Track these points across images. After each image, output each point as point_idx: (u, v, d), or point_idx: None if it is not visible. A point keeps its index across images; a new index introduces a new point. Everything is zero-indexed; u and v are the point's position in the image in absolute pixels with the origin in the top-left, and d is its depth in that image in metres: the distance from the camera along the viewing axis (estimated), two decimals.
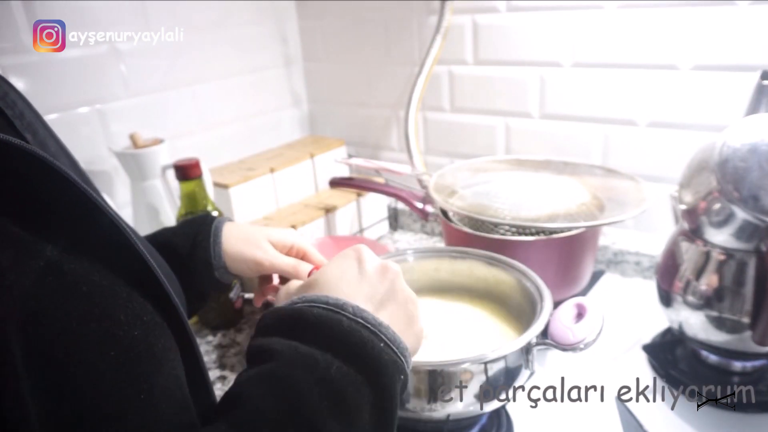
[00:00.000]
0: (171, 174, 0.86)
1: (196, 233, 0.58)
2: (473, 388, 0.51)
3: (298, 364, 0.36)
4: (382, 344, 0.38)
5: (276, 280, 0.63)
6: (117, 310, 0.33)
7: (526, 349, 0.52)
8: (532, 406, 0.65)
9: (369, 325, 0.38)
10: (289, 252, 0.61)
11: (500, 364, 0.51)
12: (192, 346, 0.40)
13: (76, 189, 0.32)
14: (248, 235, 0.59)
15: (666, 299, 0.68)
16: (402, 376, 0.39)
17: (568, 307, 0.53)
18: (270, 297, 0.63)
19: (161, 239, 0.59)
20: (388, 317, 0.41)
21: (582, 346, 0.50)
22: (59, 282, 0.31)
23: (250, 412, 0.34)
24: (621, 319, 0.78)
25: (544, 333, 0.52)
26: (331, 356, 0.36)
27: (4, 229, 0.30)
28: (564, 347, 0.50)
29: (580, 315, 0.52)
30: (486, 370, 0.51)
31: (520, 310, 0.62)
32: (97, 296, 0.33)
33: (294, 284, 0.47)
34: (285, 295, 0.46)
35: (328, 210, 1.03)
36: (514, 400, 0.56)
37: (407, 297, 0.44)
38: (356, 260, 0.44)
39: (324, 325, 0.38)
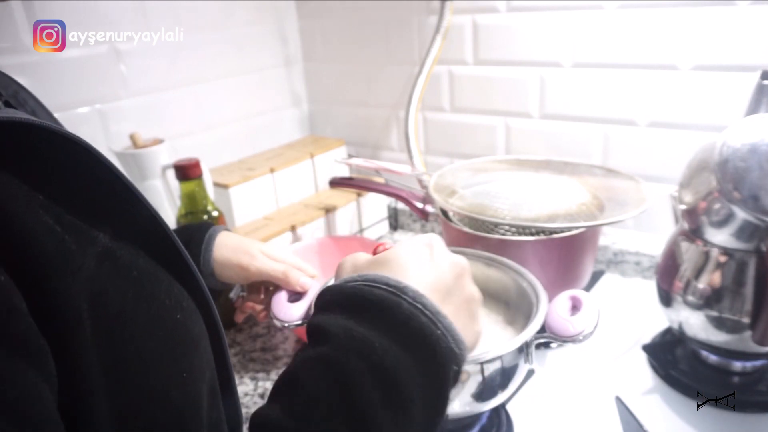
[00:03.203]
0: (171, 174, 0.86)
1: (189, 239, 0.59)
2: (471, 387, 0.51)
3: (353, 349, 0.35)
4: (439, 332, 0.37)
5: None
6: (161, 294, 0.36)
7: (525, 347, 0.53)
8: (532, 406, 0.65)
9: (428, 312, 0.37)
10: None
11: (497, 364, 0.51)
12: (219, 334, 0.42)
13: (121, 182, 0.34)
14: (240, 244, 0.60)
15: (666, 299, 0.68)
16: (456, 366, 0.38)
17: (563, 300, 0.53)
18: (259, 310, 0.64)
19: None
20: (451, 312, 0.39)
21: (581, 337, 0.50)
22: (114, 266, 0.33)
23: (303, 397, 0.34)
24: (621, 319, 0.78)
25: (542, 328, 0.53)
26: (388, 341, 0.35)
27: (62, 217, 0.31)
28: (564, 339, 0.50)
29: (575, 307, 0.52)
30: (482, 371, 0.51)
31: (516, 310, 0.62)
32: (145, 280, 0.35)
33: (361, 257, 0.44)
34: (351, 267, 0.43)
35: (328, 210, 1.03)
36: (512, 400, 0.56)
37: (472, 294, 0.43)
38: (428, 247, 0.43)
39: (383, 307, 0.37)
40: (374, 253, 0.44)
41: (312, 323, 0.39)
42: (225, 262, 0.59)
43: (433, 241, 0.44)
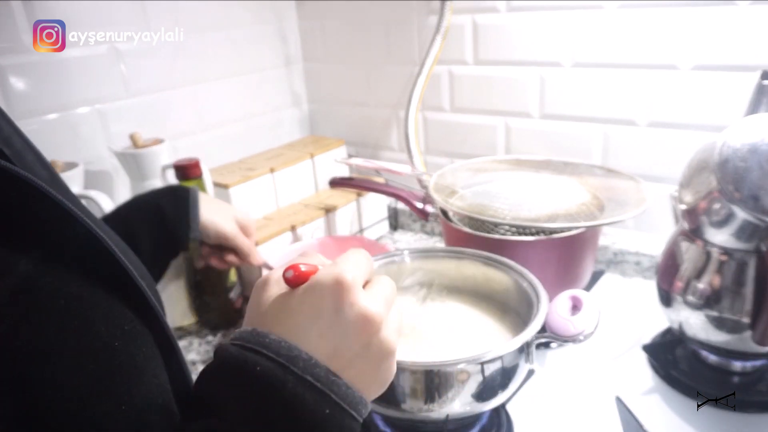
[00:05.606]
0: (171, 174, 0.86)
1: (180, 198, 0.69)
2: (471, 388, 0.51)
3: (243, 423, 0.33)
4: (327, 410, 0.33)
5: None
6: (96, 321, 0.32)
7: (525, 347, 0.53)
8: (532, 406, 0.65)
9: (317, 384, 0.33)
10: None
11: (497, 364, 0.51)
12: (174, 352, 0.39)
13: (50, 199, 0.31)
14: (221, 209, 0.72)
15: (666, 299, 0.67)
16: None
17: (564, 300, 0.53)
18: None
19: (146, 198, 0.70)
20: (354, 374, 0.36)
21: (581, 337, 0.50)
22: (33, 298, 0.30)
23: None
24: (621, 319, 0.78)
25: (543, 328, 0.53)
26: (275, 421, 0.33)
27: None
28: (565, 339, 0.51)
29: (575, 307, 0.52)
30: (483, 370, 0.51)
31: (517, 310, 0.62)
32: (75, 308, 0.32)
33: (273, 293, 0.38)
34: (256, 308, 0.38)
35: (328, 210, 1.03)
36: (512, 400, 0.56)
37: (384, 353, 0.37)
38: (337, 302, 0.35)
39: (267, 385, 0.33)
40: (287, 277, 0.38)
41: (199, 391, 0.35)
42: (209, 224, 0.70)
43: (343, 295, 0.35)
